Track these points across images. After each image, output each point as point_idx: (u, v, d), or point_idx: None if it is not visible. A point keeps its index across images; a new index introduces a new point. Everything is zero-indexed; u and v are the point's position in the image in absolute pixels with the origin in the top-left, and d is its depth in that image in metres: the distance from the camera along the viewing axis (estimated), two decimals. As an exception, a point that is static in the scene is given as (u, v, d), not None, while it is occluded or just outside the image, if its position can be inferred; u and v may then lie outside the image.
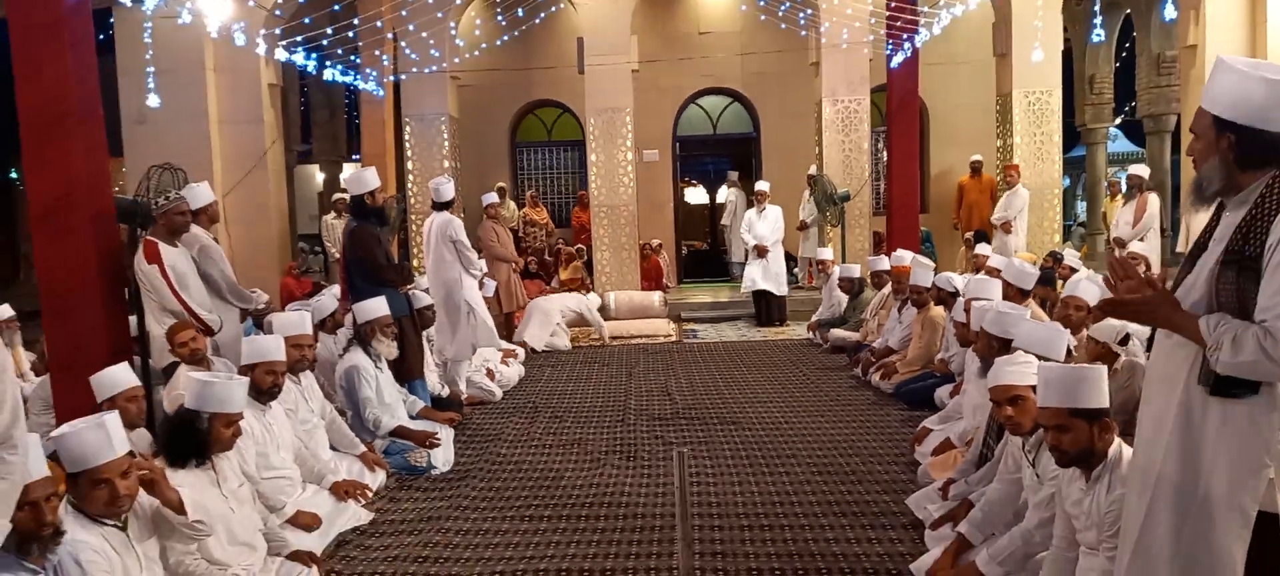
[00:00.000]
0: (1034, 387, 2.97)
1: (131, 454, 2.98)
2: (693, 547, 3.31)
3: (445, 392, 6.72)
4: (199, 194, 5.83)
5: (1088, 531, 2.80)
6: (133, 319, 5.30)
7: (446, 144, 11.81)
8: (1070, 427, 2.71)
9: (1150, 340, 2.44)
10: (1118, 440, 2.79)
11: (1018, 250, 10.04)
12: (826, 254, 10.23)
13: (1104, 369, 2.78)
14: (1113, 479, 2.71)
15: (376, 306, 5.55)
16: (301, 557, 3.76)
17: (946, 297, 6.73)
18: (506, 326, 9.27)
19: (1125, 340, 4.46)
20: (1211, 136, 2.19)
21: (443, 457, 5.33)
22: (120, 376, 4.21)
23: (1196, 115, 2.24)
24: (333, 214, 12.02)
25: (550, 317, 9.67)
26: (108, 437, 2.84)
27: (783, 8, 11.10)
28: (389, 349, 5.58)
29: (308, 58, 9.74)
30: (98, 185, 5.15)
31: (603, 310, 11.18)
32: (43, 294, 5.06)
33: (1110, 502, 2.68)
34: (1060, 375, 2.75)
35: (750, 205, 11.25)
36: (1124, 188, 11.75)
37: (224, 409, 3.54)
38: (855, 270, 9.29)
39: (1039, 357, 3.46)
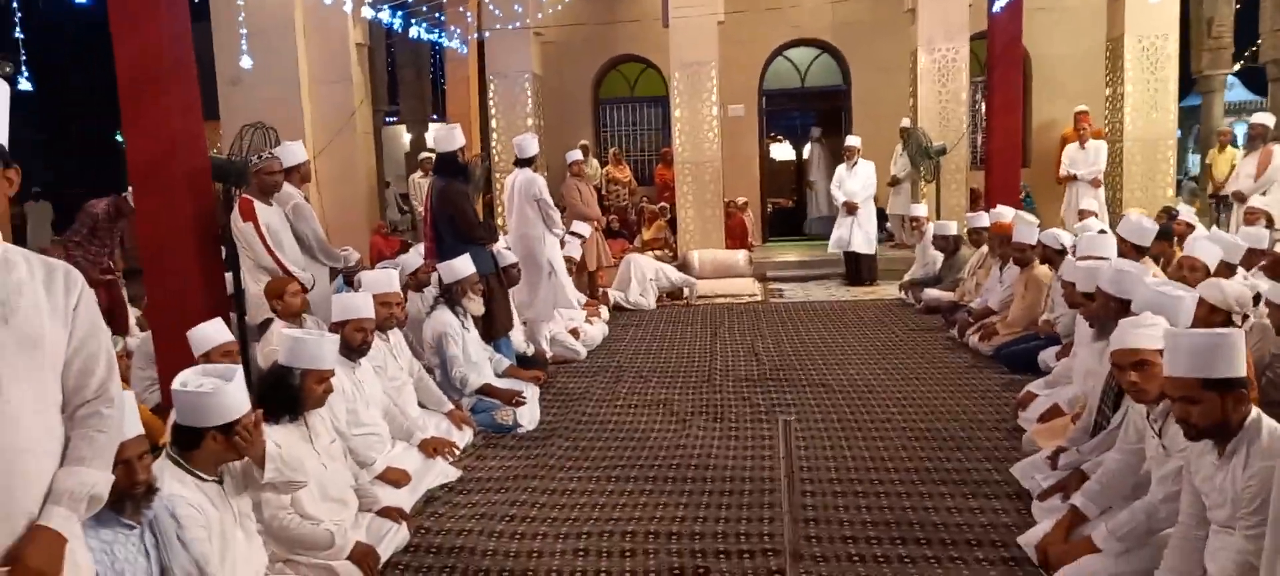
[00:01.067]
0: (1161, 352, 2.75)
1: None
2: (787, 513, 3.18)
3: (530, 351, 6.74)
4: (291, 152, 5.92)
5: (1220, 509, 2.58)
6: (229, 276, 5.45)
7: (530, 101, 11.80)
8: (1200, 400, 2.50)
9: None
10: (1256, 410, 2.55)
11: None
12: (921, 210, 9.88)
13: (1241, 334, 2.54)
14: (1251, 452, 2.48)
15: (464, 265, 5.57)
16: (391, 514, 3.79)
17: (1052, 255, 6.41)
18: (591, 285, 9.24)
19: (1257, 299, 4.15)
20: None
21: (529, 416, 5.33)
22: (214, 332, 4.30)
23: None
24: (419, 173, 12.18)
25: (645, 274, 9.56)
26: (237, 394, 2.88)
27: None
28: (476, 307, 5.60)
29: (393, 15, 9.80)
30: (192, 144, 5.26)
31: (687, 269, 11.08)
32: (143, 251, 5.21)
33: (1248, 477, 2.46)
34: (1191, 342, 2.52)
35: (836, 162, 10.93)
36: (1238, 139, 11.08)
37: (315, 365, 3.57)
38: (951, 227, 8.92)
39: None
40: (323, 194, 10.67)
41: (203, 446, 2.87)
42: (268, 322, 5.17)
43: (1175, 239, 7.10)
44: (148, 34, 5.02)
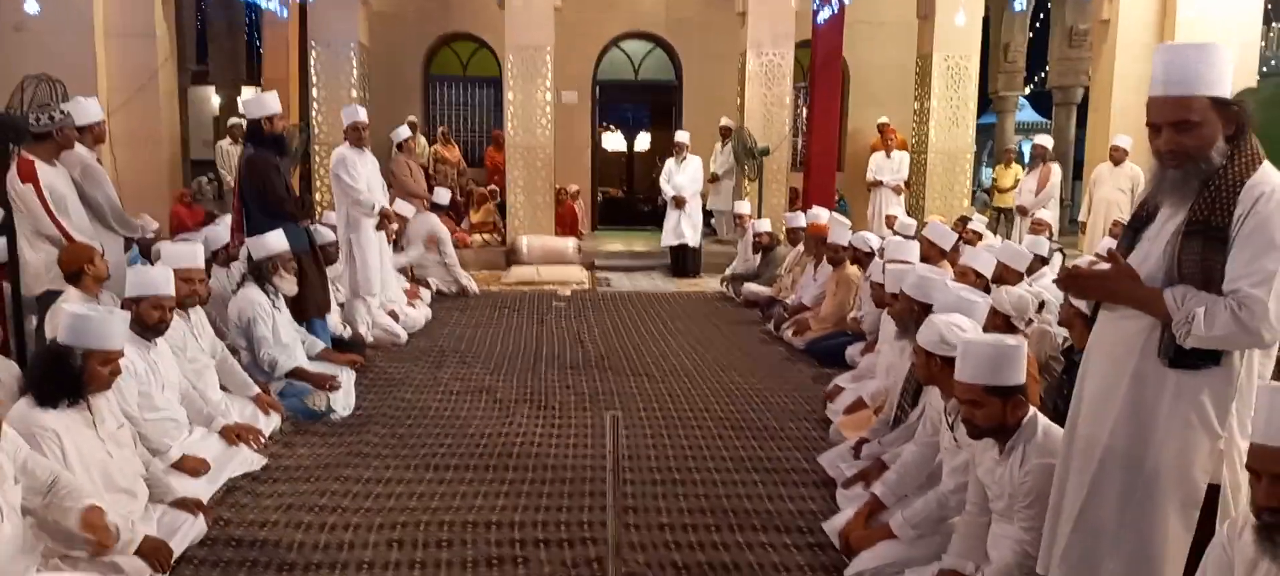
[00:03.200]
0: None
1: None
2: (612, 506, 3.19)
3: (347, 334, 6.47)
4: (86, 110, 5.40)
5: (999, 499, 2.83)
6: (1, 241, 4.90)
7: (355, 71, 11.29)
8: (984, 403, 2.71)
9: (1093, 313, 2.43)
10: (1033, 411, 2.80)
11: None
12: (744, 207, 10.23)
13: (1023, 345, 2.78)
14: (1027, 449, 2.73)
15: (275, 241, 5.26)
16: (187, 505, 3.53)
17: (862, 257, 6.80)
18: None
19: (1041, 308, 4.55)
20: (1213, 117, 2.14)
21: (343, 402, 5.12)
22: None
23: (1175, 106, 2.15)
24: (228, 139, 11.44)
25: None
26: None
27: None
28: (288, 286, 5.30)
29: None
30: (-37, 94, 4.70)
31: (514, 255, 10.98)
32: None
33: (1024, 475, 2.70)
34: (979, 351, 2.73)
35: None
36: (1024, 157, 12.16)
37: (102, 345, 3.26)
38: (766, 225, 9.32)
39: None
40: (119, 157, 9.81)
41: None
42: (53, 294, 4.69)
43: (966, 246, 7.73)
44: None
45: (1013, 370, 2.69)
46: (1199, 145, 2.14)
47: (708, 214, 12.18)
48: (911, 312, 4.15)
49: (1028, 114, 23.60)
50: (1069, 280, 2.37)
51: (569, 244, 11.27)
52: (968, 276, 4.98)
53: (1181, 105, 2.14)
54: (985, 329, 3.58)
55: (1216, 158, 2.14)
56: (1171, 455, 2.18)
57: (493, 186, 12.31)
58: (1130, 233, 2.31)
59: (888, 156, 11.37)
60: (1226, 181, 2.12)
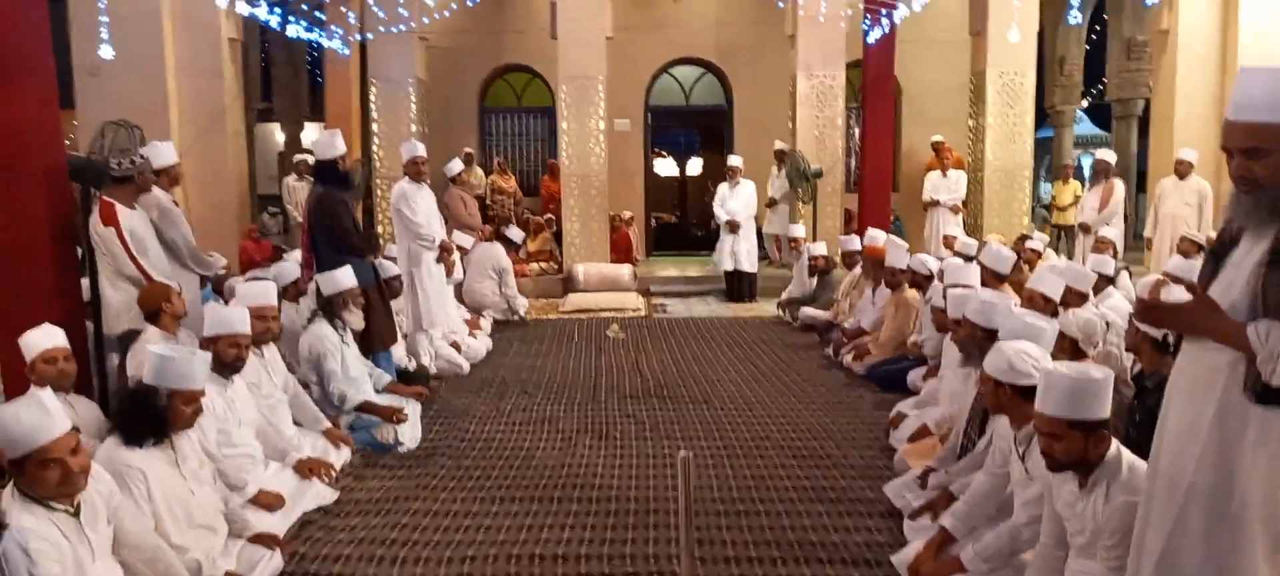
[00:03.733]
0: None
1: (75, 428, 2.82)
2: (685, 547, 3.16)
3: (412, 366, 6.57)
4: (162, 153, 5.61)
5: (1079, 535, 2.75)
6: (84, 282, 5.09)
7: (413, 107, 11.55)
8: (1064, 437, 2.63)
9: (1176, 345, 2.36)
10: (1116, 445, 2.73)
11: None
12: (799, 231, 10.18)
13: (1109, 379, 2.68)
14: (1112, 488, 2.64)
15: (343, 277, 5.38)
16: (264, 540, 3.62)
17: (921, 280, 6.72)
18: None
19: (1106, 330, 4.44)
20: None
21: (410, 434, 5.20)
22: (42, 337, 4.03)
23: (1245, 132, 2.10)
24: (294, 176, 11.73)
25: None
26: (47, 414, 2.67)
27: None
28: (356, 320, 5.42)
29: (271, 11, 9.41)
30: (49, 140, 4.91)
31: (571, 282, 11.07)
32: (-12, 253, 4.82)
33: (1110, 511, 2.62)
34: (1062, 384, 2.64)
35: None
36: (1084, 172, 11.93)
37: (185, 385, 3.37)
38: (822, 248, 9.25)
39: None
40: (189, 194, 10.15)
41: (29, 474, 2.67)
42: (133, 334, 4.86)
43: (1026, 266, 7.58)
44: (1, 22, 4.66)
45: (1098, 404, 2.61)
46: (1270, 174, 2.08)
47: (762, 237, 12.16)
48: (975, 339, 4.09)
49: (1086, 127, 23.10)
50: (1147, 311, 2.31)
51: (624, 271, 11.33)
52: (1035, 301, 4.87)
53: (1251, 132, 2.09)
54: (1053, 354, 3.51)
55: None
56: (1258, 495, 2.10)
57: (549, 215, 12.45)
58: (1212, 260, 2.25)
59: (944, 176, 11.23)
60: None
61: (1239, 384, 2.11)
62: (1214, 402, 2.15)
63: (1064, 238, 12.22)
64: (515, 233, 9.84)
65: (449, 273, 7.68)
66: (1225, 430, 2.13)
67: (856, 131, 12.93)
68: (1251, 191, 2.11)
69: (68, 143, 6.32)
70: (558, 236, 11.90)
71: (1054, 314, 4.63)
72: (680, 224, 17.06)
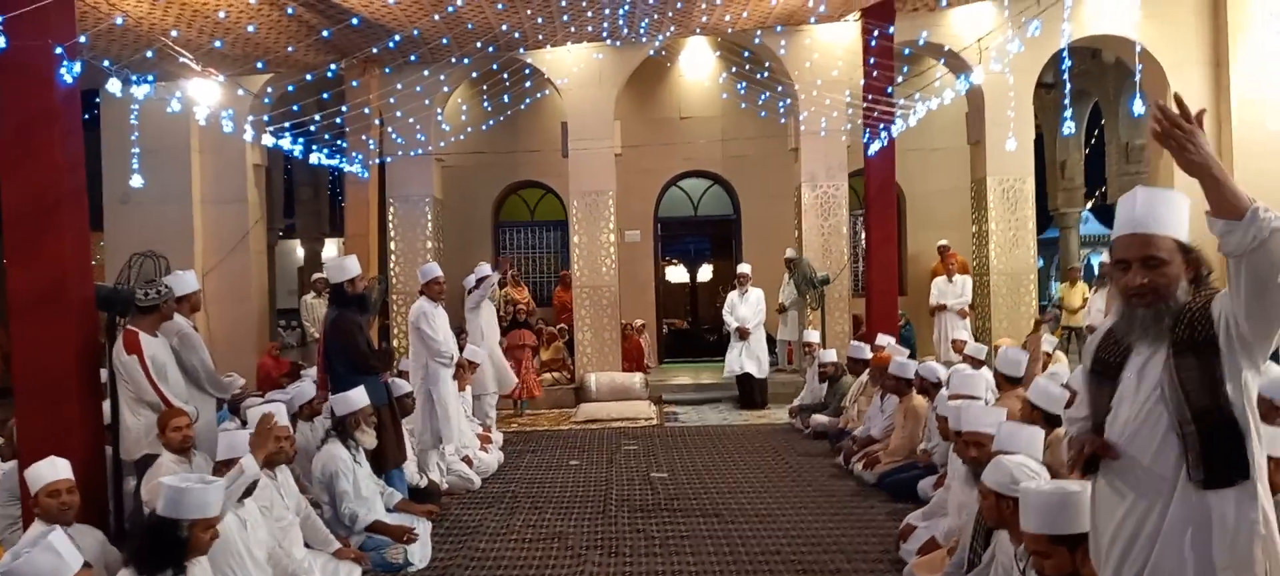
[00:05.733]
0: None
1: (87, 565, 2.88)
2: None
3: (424, 483, 6.60)
4: (185, 282, 5.78)
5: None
6: (105, 405, 5.20)
7: (429, 224, 11.83)
8: (1051, 554, 2.66)
9: (1091, 464, 2.38)
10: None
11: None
12: (814, 337, 10.23)
13: (1086, 491, 2.72)
14: (1103, 600, 2.65)
15: (357, 397, 5.47)
16: (274, 666, 3.62)
17: (929, 387, 6.74)
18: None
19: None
20: (1179, 259, 2.27)
21: (420, 554, 5.19)
22: (47, 470, 4.09)
23: (1141, 243, 2.27)
24: (312, 293, 11.95)
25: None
26: (60, 558, 2.75)
27: (762, 97, 11.31)
28: (368, 439, 5.48)
29: (294, 142, 9.77)
30: (82, 273, 5.10)
31: (583, 392, 11.12)
32: (18, 382, 4.95)
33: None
34: (1038, 500, 2.70)
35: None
36: (1093, 272, 11.99)
37: (203, 514, 3.42)
38: (831, 355, 9.30)
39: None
40: (211, 313, 10.38)
41: None
42: (150, 458, 4.94)
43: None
44: (42, 163, 4.89)
45: (1074, 517, 2.64)
46: (1167, 283, 2.25)
47: (773, 343, 12.20)
48: (969, 453, 4.11)
49: (1093, 226, 23.28)
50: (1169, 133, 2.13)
51: (636, 379, 11.38)
52: (1035, 419, 4.87)
53: (1149, 242, 2.26)
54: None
55: (1181, 296, 2.25)
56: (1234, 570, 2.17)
57: (561, 325, 12.56)
58: (1097, 378, 2.37)
59: (950, 280, 11.34)
60: (1195, 305, 2.22)
61: (1182, 480, 2.19)
62: (1169, 510, 2.21)
63: (1075, 339, 12.22)
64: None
65: (462, 389, 7.77)
66: (1194, 527, 2.19)
67: (862, 237, 13.08)
68: (1151, 304, 2.24)
69: (95, 261, 6.54)
70: (570, 346, 12.00)
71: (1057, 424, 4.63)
72: (692, 329, 17.18)
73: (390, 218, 11.81)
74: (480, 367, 8.61)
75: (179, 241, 10.52)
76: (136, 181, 9.11)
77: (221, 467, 4.25)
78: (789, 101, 11.82)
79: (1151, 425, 2.24)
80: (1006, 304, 11.63)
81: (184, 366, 5.50)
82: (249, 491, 4.29)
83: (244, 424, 5.55)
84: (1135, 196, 2.32)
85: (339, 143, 11.07)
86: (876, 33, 10.19)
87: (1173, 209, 2.28)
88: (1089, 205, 17.85)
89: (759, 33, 10.99)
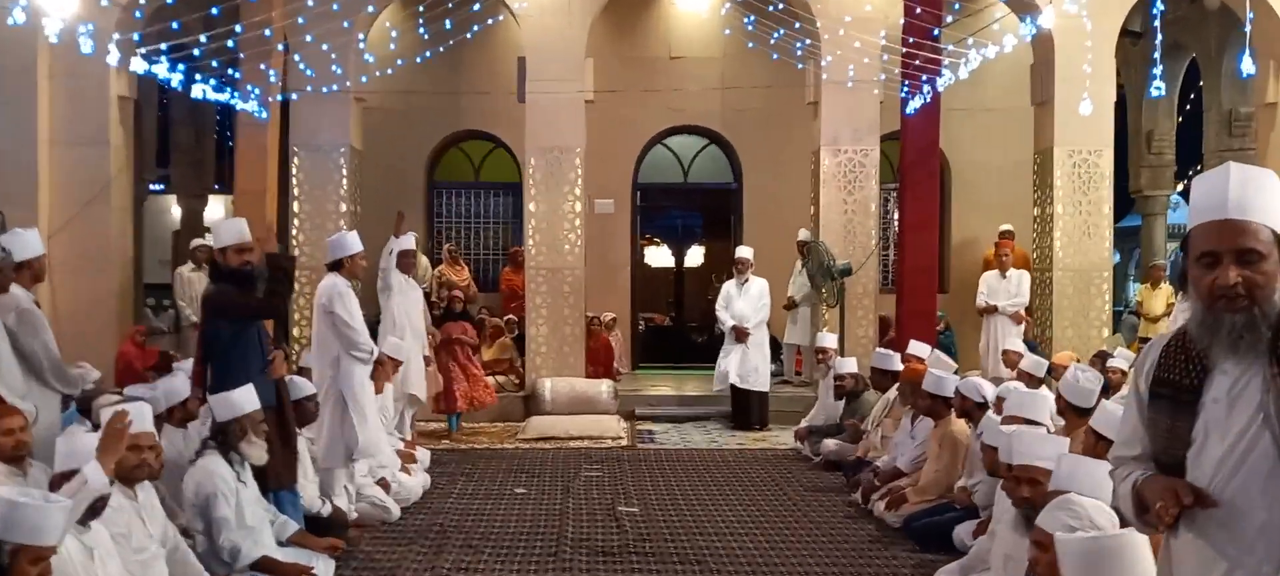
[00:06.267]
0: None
1: None
2: None
3: (326, 510, 6.55)
4: (24, 243, 5.71)
5: None
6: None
7: (345, 181, 11.73)
8: None
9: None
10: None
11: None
12: (829, 341, 10.25)
13: (1128, 541, 2.74)
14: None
15: (243, 398, 5.40)
16: None
17: (972, 409, 6.76)
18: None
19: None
20: (1276, 254, 2.24)
21: (319, 600, 5.17)
22: None
23: (1234, 232, 2.24)
24: (190, 265, 11.85)
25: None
26: None
27: (775, 35, 11.28)
28: (256, 453, 5.41)
29: (172, 69, 9.66)
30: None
31: (535, 402, 11.10)
32: None
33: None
34: (1078, 548, 2.73)
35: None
36: (1177, 273, 12.09)
37: (35, 540, 3.37)
38: (851, 365, 9.31)
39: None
40: (59, 285, 10.24)
41: None
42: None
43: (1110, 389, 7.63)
44: None
45: (1116, 566, 2.68)
46: (1266, 282, 2.22)
47: (778, 348, 12.25)
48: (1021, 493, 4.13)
49: (1185, 215, 23.51)
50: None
51: (603, 387, 11.39)
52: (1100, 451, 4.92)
53: (1245, 231, 2.24)
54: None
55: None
56: None
57: (510, 316, 12.54)
58: (1163, 405, 2.35)
59: (1003, 276, 11.41)
60: None
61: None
62: (1271, 563, 2.19)
63: (1154, 354, 12.34)
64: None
65: (379, 390, 7.73)
66: None
67: (894, 218, 13.15)
68: (1245, 309, 2.23)
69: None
70: (520, 343, 11.97)
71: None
72: (675, 327, 17.22)
73: (294, 172, 11.70)
74: (406, 366, 8.58)
75: (19, 191, 10.38)
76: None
77: (59, 480, 4.18)
78: (808, 42, 11.84)
79: (1255, 463, 2.21)
80: (1072, 308, 11.73)
81: (21, 352, 5.44)
82: (96, 511, 4.23)
83: (96, 426, 5.47)
84: (1226, 175, 2.29)
85: (230, 72, 10.94)
86: (922, -42, 10.24)
87: (1273, 193, 2.26)
88: (1180, 188, 18.00)
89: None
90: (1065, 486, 3.74)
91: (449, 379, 10.06)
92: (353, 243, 7.25)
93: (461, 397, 10.17)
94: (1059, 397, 6.19)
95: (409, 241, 9.38)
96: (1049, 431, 5.49)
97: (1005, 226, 12.29)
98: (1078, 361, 8.58)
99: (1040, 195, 12.09)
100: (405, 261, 9.23)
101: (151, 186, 16.61)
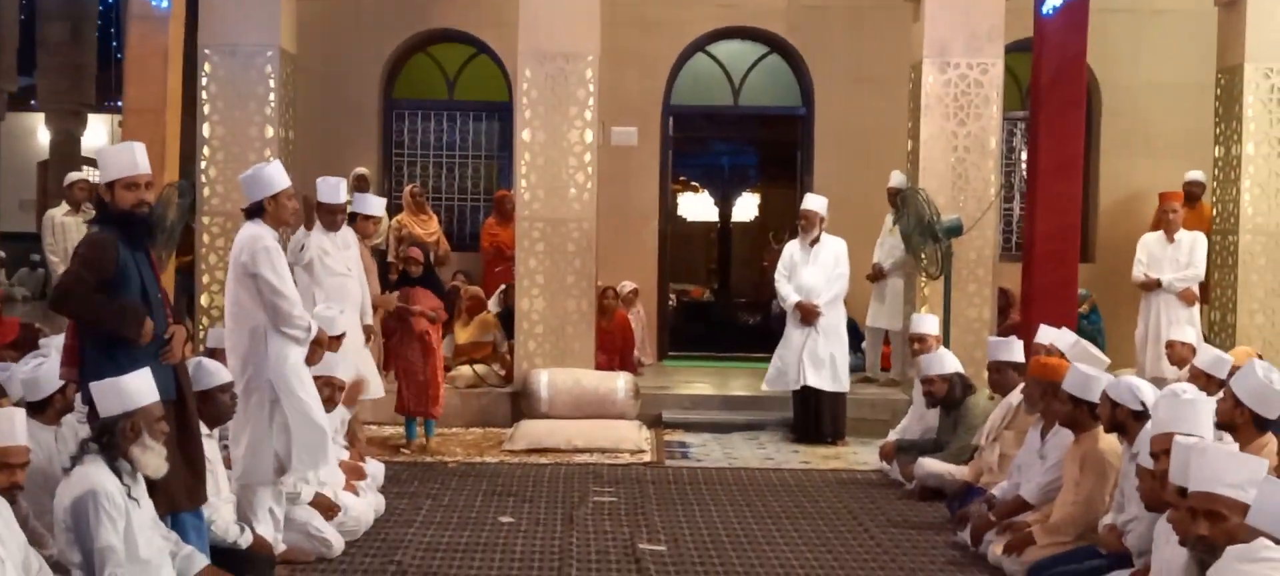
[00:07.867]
0: None
1: None
2: None
3: (245, 540, 6.60)
4: None
5: None
6: None
7: (273, 98, 11.73)
8: None
9: None
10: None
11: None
12: (930, 325, 10.19)
13: None
14: None
15: (136, 387, 5.42)
16: None
17: (1125, 420, 6.73)
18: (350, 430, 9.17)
19: None
20: None
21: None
22: None
23: None
24: (63, 207, 11.91)
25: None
26: None
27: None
28: (153, 462, 5.45)
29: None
30: None
31: (527, 400, 11.11)
32: None
33: None
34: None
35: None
36: None
37: None
38: (948, 362, 9.23)
39: None
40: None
41: None
42: None
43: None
44: None
45: None
46: None
47: (858, 334, 12.22)
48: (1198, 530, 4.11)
49: None
50: None
51: (618, 383, 11.38)
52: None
53: None
54: None
55: None
56: None
57: (502, 284, 12.52)
58: None
59: (1170, 240, 11.31)
60: None
61: None
62: None
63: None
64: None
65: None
66: None
67: (1023, 159, 13.08)
68: None
69: None
70: (506, 320, 11.98)
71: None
72: (718, 304, 17.21)
73: (204, 84, 11.73)
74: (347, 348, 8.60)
75: None
76: None
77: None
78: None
79: None
80: (1264, 285, 11.65)
81: None
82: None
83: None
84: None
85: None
86: None
87: None
88: None
89: None
90: (1266, 527, 3.73)
91: (408, 369, 10.04)
92: (278, 176, 7.14)
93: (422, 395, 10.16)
94: (1225, 399, 6.13)
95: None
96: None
97: (1193, 173, 12.15)
98: (1260, 357, 8.53)
99: (1223, 131, 12.00)
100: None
101: (11, 100, 16.67)
